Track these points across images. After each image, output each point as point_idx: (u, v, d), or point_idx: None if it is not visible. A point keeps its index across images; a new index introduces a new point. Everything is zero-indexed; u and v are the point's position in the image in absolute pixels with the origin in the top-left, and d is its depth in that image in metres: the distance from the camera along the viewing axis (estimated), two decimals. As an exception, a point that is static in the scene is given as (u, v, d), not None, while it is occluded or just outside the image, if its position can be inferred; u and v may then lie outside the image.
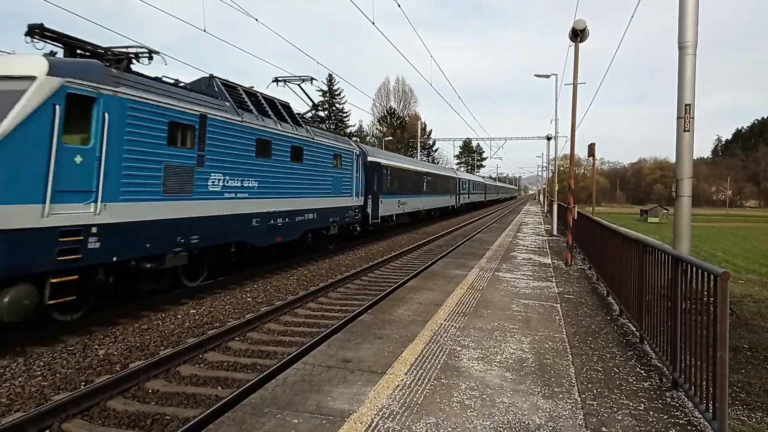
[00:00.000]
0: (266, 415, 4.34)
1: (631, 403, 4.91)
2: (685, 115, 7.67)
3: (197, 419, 5.37)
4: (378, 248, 21.22)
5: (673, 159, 8.38)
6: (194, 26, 17.84)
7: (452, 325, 7.41)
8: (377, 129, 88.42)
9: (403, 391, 4.97)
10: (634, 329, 7.36)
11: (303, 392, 4.88)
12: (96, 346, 7.97)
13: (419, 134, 67.13)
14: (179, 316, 9.78)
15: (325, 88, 75.48)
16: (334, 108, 77.22)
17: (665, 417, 4.62)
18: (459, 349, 6.36)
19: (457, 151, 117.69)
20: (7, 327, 8.21)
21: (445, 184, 41.30)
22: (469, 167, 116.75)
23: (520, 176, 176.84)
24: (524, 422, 4.41)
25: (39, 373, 6.88)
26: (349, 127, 78.56)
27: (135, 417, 5.80)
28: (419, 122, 77.82)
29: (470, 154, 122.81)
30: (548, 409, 4.69)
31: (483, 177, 79.30)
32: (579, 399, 4.96)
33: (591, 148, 17.14)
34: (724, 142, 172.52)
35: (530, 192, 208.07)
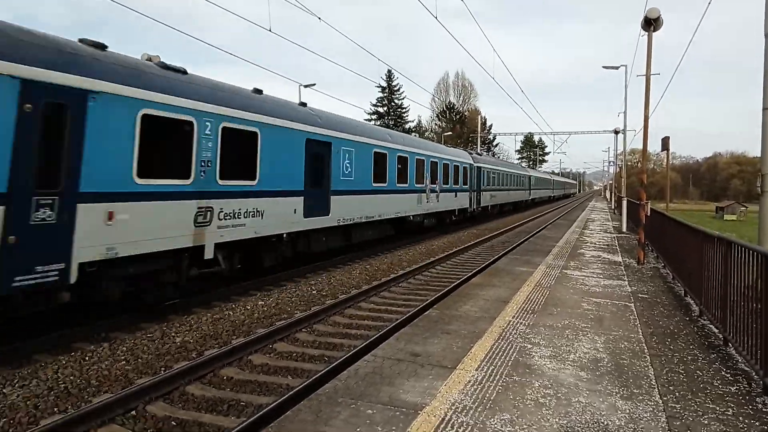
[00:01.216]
0: (341, 405, 4.41)
1: (717, 408, 4.65)
2: (774, 105, 7.17)
3: (271, 406, 5.53)
4: (439, 244, 21.12)
5: (752, 153, 7.92)
6: (260, 26, 18.43)
7: (521, 323, 7.27)
8: (436, 124, 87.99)
9: (475, 386, 4.93)
10: (717, 331, 6.99)
11: (375, 384, 4.92)
12: (173, 334, 8.34)
13: (479, 129, 66.25)
14: (248, 307, 10.10)
15: (384, 84, 75.80)
16: (393, 104, 77.43)
17: (757, 424, 4.36)
18: (529, 346, 6.23)
19: (519, 146, 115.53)
20: (93, 313, 8.76)
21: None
22: (531, 162, 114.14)
23: (584, 171, 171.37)
24: (603, 423, 4.27)
25: (123, 358, 7.27)
26: (407, 123, 78.55)
27: (212, 402, 6.05)
28: (479, 117, 76.90)
29: (532, 149, 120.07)
30: (628, 411, 4.52)
31: (478, 154, 36.46)
32: (660, 401, 4.75)
33: (665, 142, 16.32)
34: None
35: (595, 188, 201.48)
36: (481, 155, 36.66)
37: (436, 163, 23.50)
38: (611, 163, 55.52)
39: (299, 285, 12.33)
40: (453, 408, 4.43)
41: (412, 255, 17.80)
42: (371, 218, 16.87)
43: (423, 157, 21.81)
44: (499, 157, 78.32)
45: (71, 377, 6.45)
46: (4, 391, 5.93)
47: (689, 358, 6.04)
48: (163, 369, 6.94)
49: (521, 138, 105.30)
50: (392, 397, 4.62)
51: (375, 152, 17.19)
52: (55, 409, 5.67)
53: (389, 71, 75.76)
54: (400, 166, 19.36)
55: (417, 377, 5.13)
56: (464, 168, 28.08)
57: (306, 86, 35.64)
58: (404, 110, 78.12)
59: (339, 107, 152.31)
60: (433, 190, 22.79)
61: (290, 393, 5.90)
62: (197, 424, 5.49)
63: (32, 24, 7.50)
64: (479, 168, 30.98)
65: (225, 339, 8.29)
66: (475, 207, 30.00)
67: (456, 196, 26.50)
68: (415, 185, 20.86)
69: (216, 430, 5.38)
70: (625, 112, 32.95)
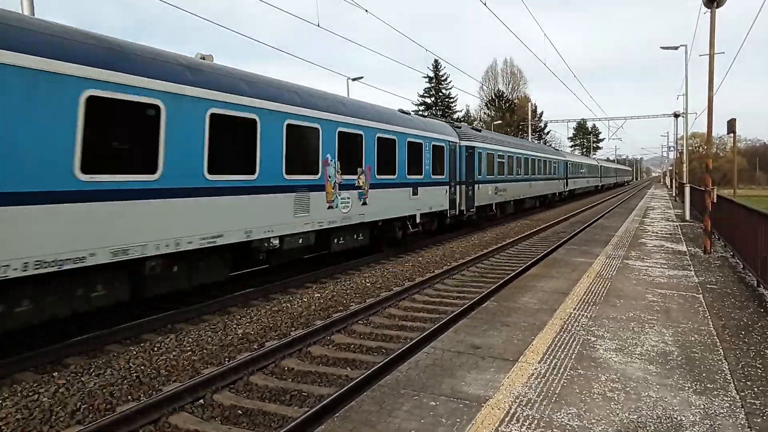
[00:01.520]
0: (403, 396, 4.43)
1: (802, 405, 4.39)
2: None
3: (333, 397, 5.61)
4: (491, 235, 20.85)
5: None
6: (309, 21, 18.55)
7: (582, 315, 7.09)
8: (485, 113, 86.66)
9: (539, 379, 4.84)
10: (796, 323, 6.60)
11: (436, 376, 4.91)
12: (234, 326, 8.58)
13: (529, 117, 64.85)
14: (305, 299, 10.27)
15: (432, 74, 75.16)
16: (440, 94, 76.73)
17: None
18: (593, 339, 6.06)
19: (571, 133, 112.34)
20: (157, 305, 9.13)
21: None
22: (584, 150, 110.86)
23: (641, 158, 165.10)
24: (676, 418, 4.10)
25: (189, 348, 7.54)
26: (456, 112, 77.71)
27: (275, 392, 6.19)
28: (529, 104, 75.22)
29: (585, 135, 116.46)
30: (702, 406, 4.33)
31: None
32: (737, 397, 4.53)
33: (731, 124, 15.49)
34: None
35: (653, 174, 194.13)
36: (479, 131, 24.88)
37: (360, 135, 13.34)
38: (671, 148, 53.10)
39: (353, 277, 12.44)
40: (517, 401, 4.36)
41: (464, 247, 17.66)
42: (108, 260, 7.20)
43: (317, 124, 11.66)
44: (550, 145, 76.13)
45: (142, 367, 6.74)
46: (82, 379, 6.26)
47: (767, 351, 5.73)
48: (227, 359, 7.15)
49: (574, 125, 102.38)
50: (455, 389, 4.60)
51: (92, 97, 6.91)
52: (129, 396, 5.94)
53: (436, 61, 75.08)
54: (233, 138, 9.50)
55: (478, 369, 5.09)
56: (437, 147, 17.70)
57: (354, 80, 35.79)
58: (452, 100, 77.29)
59: (386, 99, 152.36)
60: (349, 186, 12.86)
61: (350, 384, 5.97)
62: (262, 413, 5.64)
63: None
64: (471, 149, 20.85)
65: (284, 330, 8.47)
66: (463, 208, 20.05)
67: (415, 193, 16.15)
68: (286, 178, 10.68)
69: (280, 419, 5.50)
70: (686, 94, 31.39)
